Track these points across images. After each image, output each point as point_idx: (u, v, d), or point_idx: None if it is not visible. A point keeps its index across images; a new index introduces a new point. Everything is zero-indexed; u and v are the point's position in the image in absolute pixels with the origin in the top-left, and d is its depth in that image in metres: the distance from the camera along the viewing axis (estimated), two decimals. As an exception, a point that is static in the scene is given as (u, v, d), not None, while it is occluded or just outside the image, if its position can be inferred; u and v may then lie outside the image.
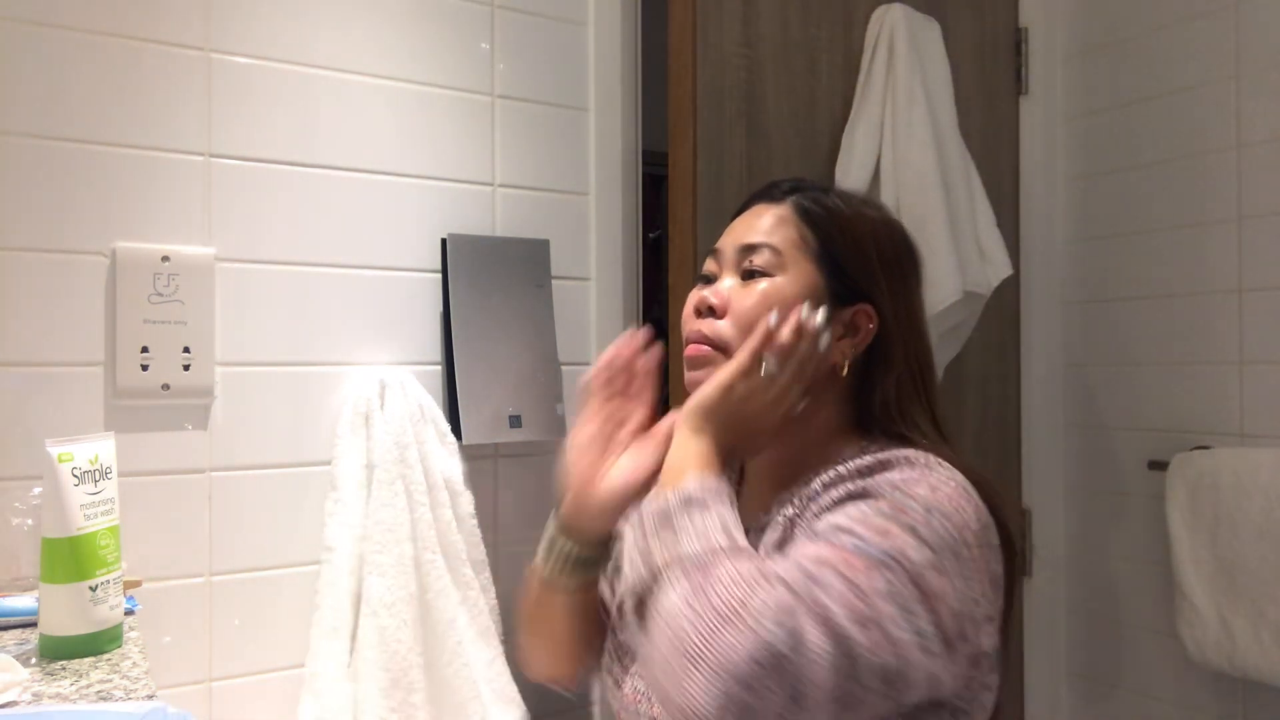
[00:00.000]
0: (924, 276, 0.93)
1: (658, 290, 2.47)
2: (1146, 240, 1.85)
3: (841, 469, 0.80)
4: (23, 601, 1.04)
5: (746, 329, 0.83)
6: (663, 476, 0.79)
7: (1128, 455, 1.87)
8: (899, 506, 0.72)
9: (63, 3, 1.22)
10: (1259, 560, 1.57)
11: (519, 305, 1.52)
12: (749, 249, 0.87)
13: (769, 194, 0.91)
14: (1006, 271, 1.77)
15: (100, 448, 0.97)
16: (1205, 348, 1.75)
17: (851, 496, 0.75)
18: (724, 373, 0.81)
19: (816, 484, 0.81)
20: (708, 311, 0.87)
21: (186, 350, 1.28)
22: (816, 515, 0.76)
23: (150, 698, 0.80)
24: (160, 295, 1.26)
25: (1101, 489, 1.94)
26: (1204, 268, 1.75)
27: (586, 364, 1.61)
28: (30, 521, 1.16)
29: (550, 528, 0.91)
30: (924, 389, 0.88)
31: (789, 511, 0.82)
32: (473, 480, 1.44)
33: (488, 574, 1.43)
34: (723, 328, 0.85)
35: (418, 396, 1.40)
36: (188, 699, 1.27)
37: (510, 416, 1.48)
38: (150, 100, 1.27)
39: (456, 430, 1.43)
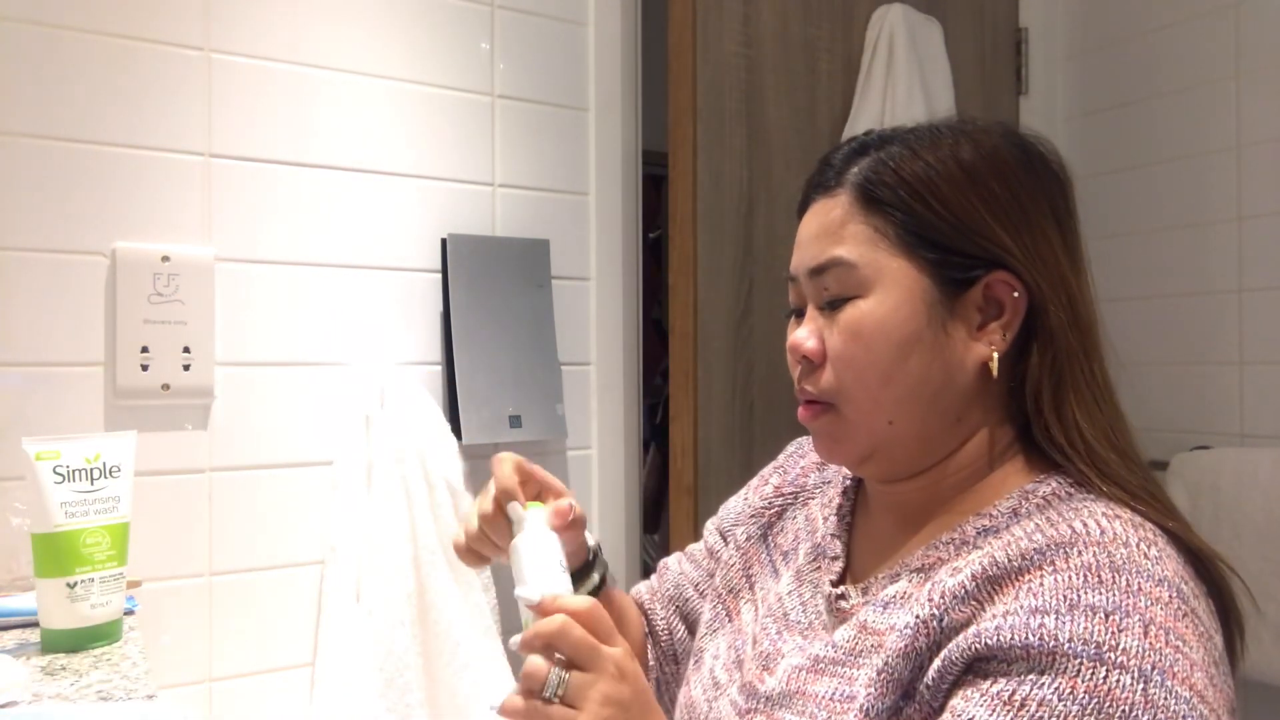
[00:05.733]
0: (1072, 201, 0.71)
1: (658, 290, 2.48)
2: (1146, 240, 1.85)
3: (1001, 553, 0.60)
4: (23, 601, 1.04)
5: (851, 372, 0.69)
6: None
7: (1128, 455, 1.87)
8: (1100, 690, 0.51)
9: (63, 3, 1.22)
10: (1259, 560, 1.56)
11: (519, 305, 1.52)
12: (818, 272, 0.71)
13: (822, 181, 0.73)
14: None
15: (102, 445, 0.96)
16: (1205, 348, 1.75)
17: (1005, 663, 0.55)
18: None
19: (965, 575, 0.61)
20: (804, 361, 0.72)
21: (186, 350, 1.27)
22: (958, 628, 0.59)
23: (150, 698, 0.80)
24: (160, 295, 1.26)
25: (1101, 489, 1.93)
26: (1204, 268, 1.75)
27: (587, 364, 1.61)
28: (30, 522, 1.16)
29: None
30: (1091, 377, 0.68)
31: (922, 609, 0.61)
32: (473, 480, 1.44)
33: (489, 573, 1.43)
34: (825, 379, 0.71)
35: (417, 396, 1.40)
36: (188, 699, 1.26)
37: (510, 416, 1.48)
38: (150, 100, 1.27)
39: (456, 430, 1.43)
